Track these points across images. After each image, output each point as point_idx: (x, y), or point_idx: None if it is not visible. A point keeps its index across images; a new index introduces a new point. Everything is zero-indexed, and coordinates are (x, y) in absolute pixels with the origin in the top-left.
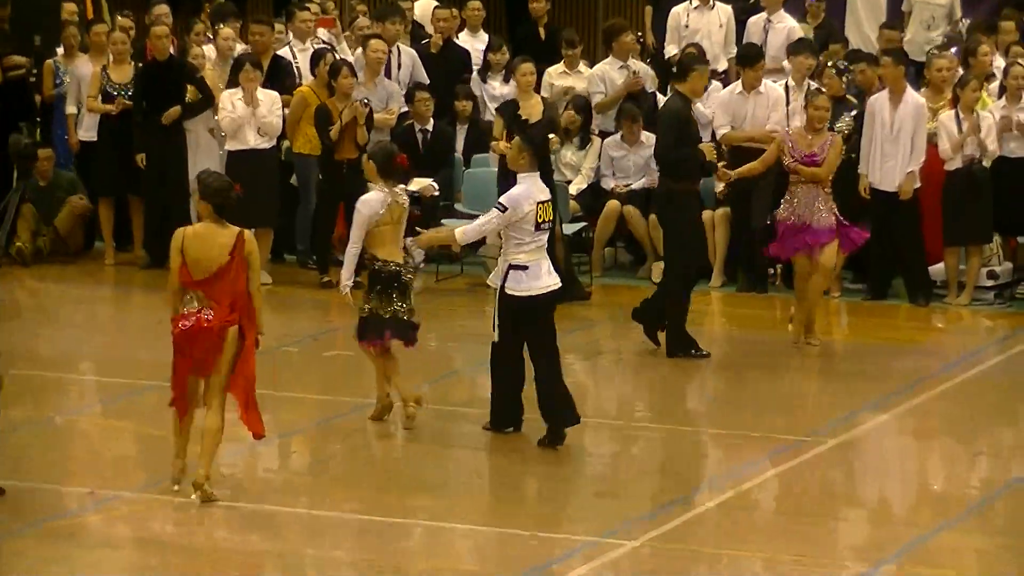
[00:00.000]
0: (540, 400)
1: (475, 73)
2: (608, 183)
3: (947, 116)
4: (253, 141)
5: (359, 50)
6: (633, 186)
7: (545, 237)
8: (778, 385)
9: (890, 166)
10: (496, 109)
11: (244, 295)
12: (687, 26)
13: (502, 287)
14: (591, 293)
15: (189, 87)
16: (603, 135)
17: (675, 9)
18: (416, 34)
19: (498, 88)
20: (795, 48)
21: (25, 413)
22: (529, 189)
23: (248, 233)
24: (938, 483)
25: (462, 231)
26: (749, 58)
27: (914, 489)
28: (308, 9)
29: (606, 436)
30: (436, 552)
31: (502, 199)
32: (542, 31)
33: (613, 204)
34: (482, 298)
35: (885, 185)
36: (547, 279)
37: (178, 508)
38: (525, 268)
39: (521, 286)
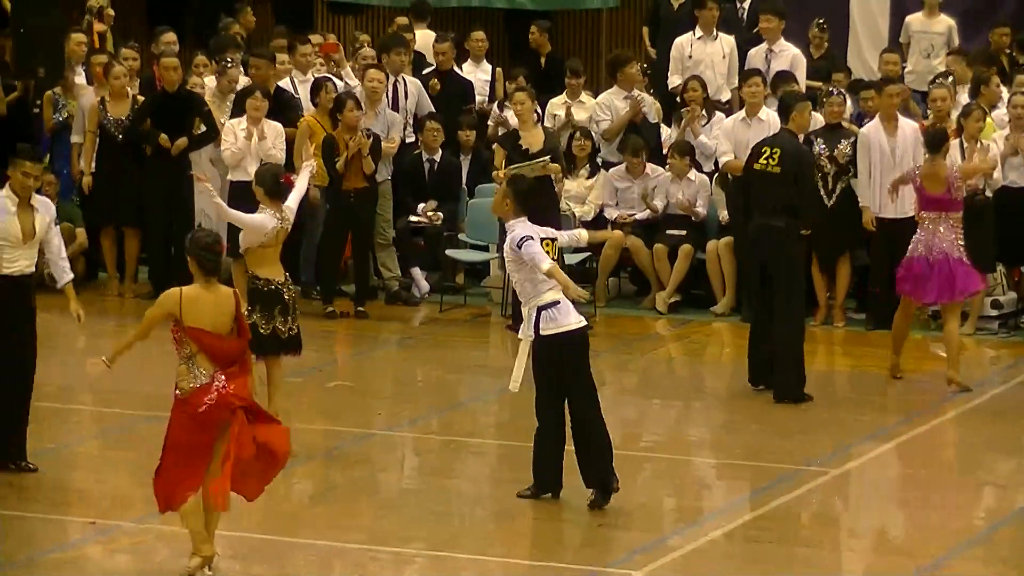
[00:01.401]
0: (584, 458)
1: (494, 104)
2: (612, 213)
3: (951, 144)
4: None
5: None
6: (637, 216)
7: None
8: (780, 415)
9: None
10: (497, 139)
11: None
12: (691, 57)
13: (536, 333)
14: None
15: (197, 120)
16: (606, 165)
17: (678, 40)
18: (417, 64)
19: (514, 118)
20: (774, 80)
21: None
22: (528, 229)
23: (237, 292)
24: (941, 513)
25: (549, 261)
26: (742, 79)
27: (917, 519)
28: (310, 42)
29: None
30: None
31: (514, 240)
32: (543, 61)
33: (617, 235)
34: (486, 329)
35: (889, 212)
36: (576, 315)
37: (180, 539)
38: (555, 304)
39: (558, 324)
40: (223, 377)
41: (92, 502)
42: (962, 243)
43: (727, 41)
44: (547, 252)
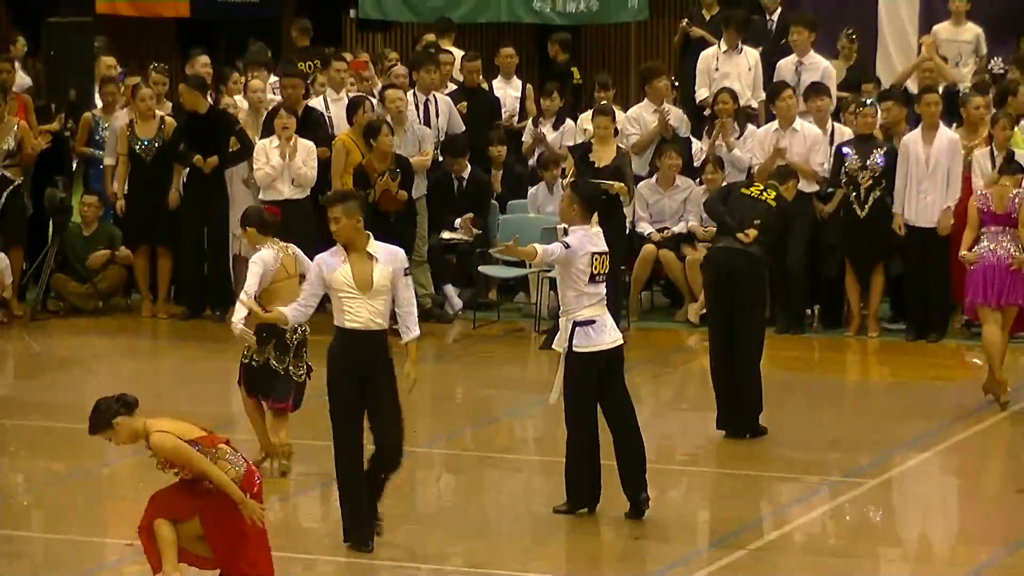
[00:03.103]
0: (623, 472)
1: (528, 121)
2: (644, 227)
3: (982, 153)
4: (287, 192)
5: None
6: (673, 229)
7: (603, 289)
8: (817, 426)
9: (926, 202)
10: (569, 148)
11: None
12: (717, 69)
13: (570, 348)
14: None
15: (231, 139)
16: (636, 179)
17: (704, 53)
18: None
19: (551, 135)
20: (807, 92)
21: (65, 466)
22: (582, 240)
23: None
24: (981, 521)
25: (541, 248)
26: (774, 92)
27: (955, 527)
28: (344, 59)
29: (648, 479)
30: None
31: (568, 238)
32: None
33: (649, 248)
34: (519, 345)
35: (921, 221)
36: (613, 333)
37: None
38: (592, 323)
39: (591, 342)
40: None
41: (130, 523)
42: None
43: (751, 55)
44: (598, 267)
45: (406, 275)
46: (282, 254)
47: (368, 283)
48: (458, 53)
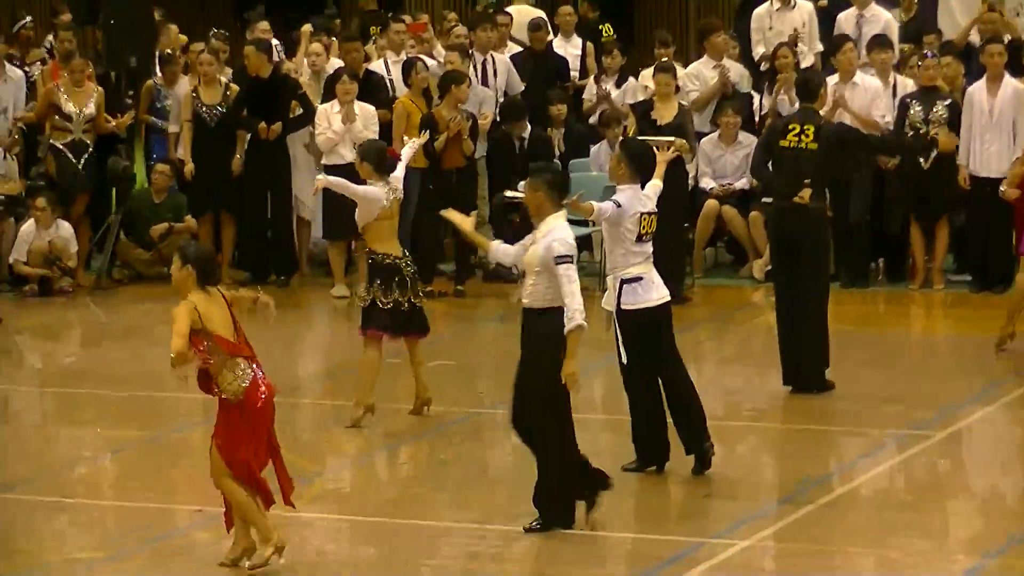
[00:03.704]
0: (680, 427)
1: (590, 78)
2: (707, 183)
3: None
4: (349, 156)
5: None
6: (735, 185)
7: (649, 248)
8: (882, 380)
9: (990, 153)
10: (631, 106)
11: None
12: (771, 28)
13: (619, 306)
14: (692, 295)
15: (293, 103)
16: (698, 136)
17: (757, 11)
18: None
19: (614, 93)
20: (869, 45)
21: (132, 432)
22: (631, 199)
23: (224, 290)
24: None
25: (598, 206)
26: (834, 46)
27: (1022, 480)
28: (403, 21)
29: (713, 437)
30: (548, 558)
31: (617, 196)
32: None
33: (712, 204)
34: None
35: (985, 172)
36: (661, 290)
37: (287, 524)
38: (639, 280)
39: (638, 299)
40: (257, 367)
41: (198, 490)
42: None
43: (805, 8)
44: (646, 227)
45: (556, 264)
46: (392, 195)
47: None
48: (526, 12)
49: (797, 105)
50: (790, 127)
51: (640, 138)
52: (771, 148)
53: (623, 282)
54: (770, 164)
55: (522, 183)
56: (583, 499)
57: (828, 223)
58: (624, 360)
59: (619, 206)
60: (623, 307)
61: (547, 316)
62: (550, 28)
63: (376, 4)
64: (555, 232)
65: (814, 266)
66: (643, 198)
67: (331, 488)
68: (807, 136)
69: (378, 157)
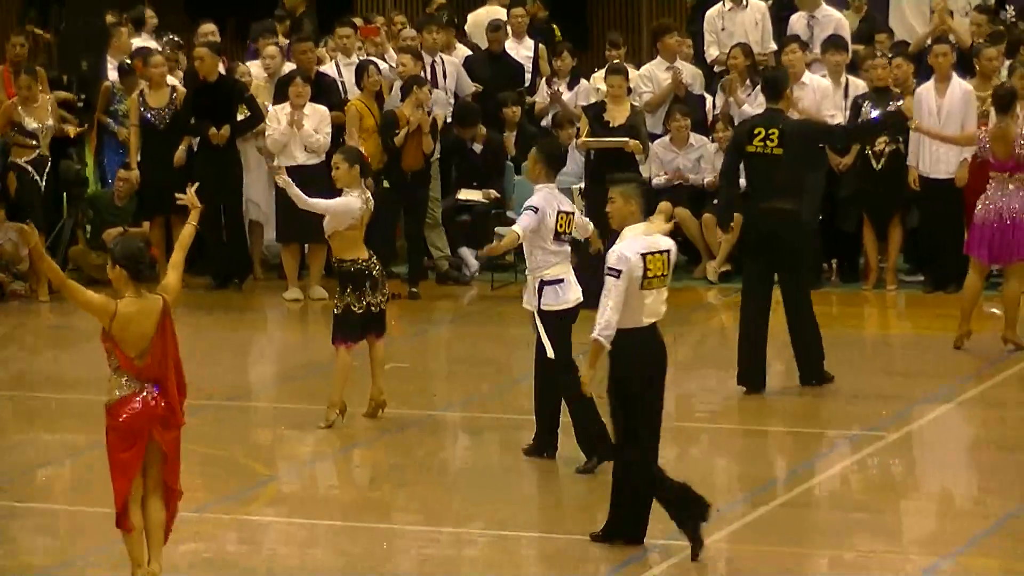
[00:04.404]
0: (574, 424)
1: (543, 80)
2: (660, 181)
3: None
4: (301, 158)
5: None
6: (691, 178)
7: (567, 248)
8: (837, 380)
9: (940, 154)
10: (582, 108)
11: (176, 367)
12: (723, 28)
13: (540, 307)
14: None
15: (241, 107)
16: (651, 137)
17: (710, 12)
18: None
19: (566, 95)
20: (824, 46)
21: (85, 438)
22: (547, 198)
23: (167, 298)
24: (1002, 473)
25: (520, 230)
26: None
27: (978, 480)
28: (352, 25)
29: (668, 438)
30: (501, 561)
31: (532, 201)
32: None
33: (665, 206)
34: None
35: (936, 173)
36: (577, 291)
37: (241, 527)
38: (559, 281)
39: (559, 300)
40: (155, 390)
41: None
42: None
43: (758, 8)
44: (563, 226)
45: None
46: (366, 206)
47: None
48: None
49: (746, 107)
50: (755, 131)
51: (593, 139)
52: (740, 152)
53: (543, 283)
54: (742, 166)
55: (466, 191)
56: (683, 528)
57: (803, 223)
58: (551, 354)
59: (536, 211)
60: (544, 307)
61: (616, 335)
62: (508, 31)
63: (304, 6)
64: (621, 244)
65: (793, 266)
66: (560, 197)
67: (285, 491)
68: (771, 141)
69: (358, 158)
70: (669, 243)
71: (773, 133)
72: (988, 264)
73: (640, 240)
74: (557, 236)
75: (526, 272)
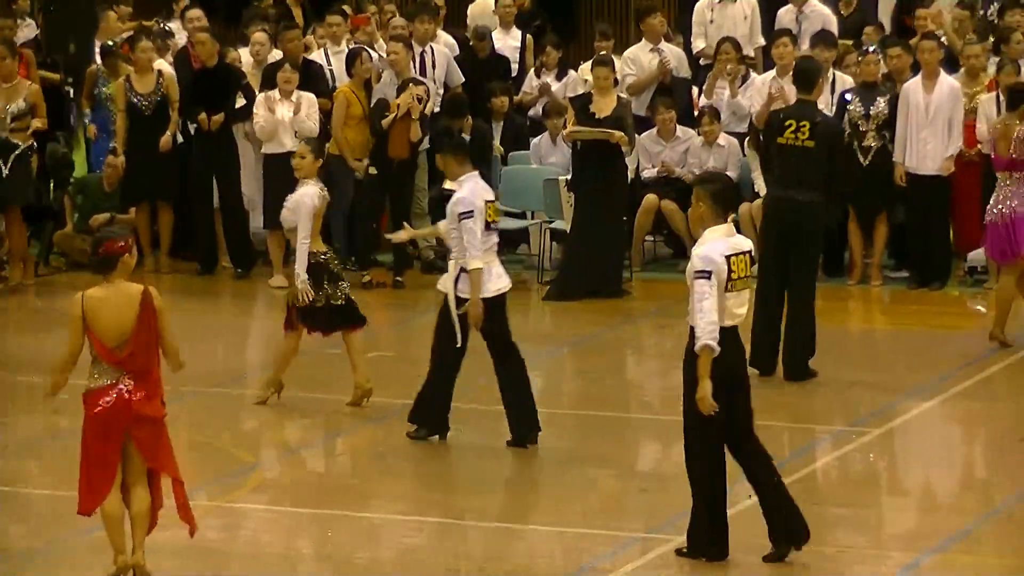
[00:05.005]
0: (510, 408)
1: (531, 72)
2: (649, 173)
3: (988, 99)
4: (290, 144)
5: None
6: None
7: (495, 239)
8: (820, 375)
9: (927, 150)
10: (569, 99)
11: (157, 358)
12: (712, 21)
13: (457, 295)
14: (631, 288)
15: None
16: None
17: (699, 4)
18: (465, 38)
19: (554, 86)
20: (813, 41)
21: (67, 422)
22: (474, 189)
23: (152, 288)
24: (984, 470)
25: (443, 225)
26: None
27: (960, 476)
28: (343, 13)
29: (651, 432)
30: (482, 551)
31: (459, 205)
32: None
33: (651, 198)
34: (522, 296)
35: (922, 169)
36: (499, 281)
37: (224, 513)
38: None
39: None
40: (131, 383)
41: None
42: None
43: (748, 2)
44: (490, 215)
45: (693, 279)
46: (322, 201)
47: None
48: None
49: (740, 99)
50: (787, 123)
51: (578, 129)
52: (769, 146)
53: (463, 270)
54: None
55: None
56: (776, 545)
57: (823, 217)
58: (460, 343)
59: (472, 215)
60: (460, 295)
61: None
62: (492, 38)
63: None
64: (703, 246)
65: (807, 258)
66: (486, 186)
67: (269, 478)
68: (803, 133)
69: (321, 152)
70: (750, 244)
71: (804, 125)
72: (1005, 262)
73: (723, 242)
74: (487, 227)
75: (449, 257)
